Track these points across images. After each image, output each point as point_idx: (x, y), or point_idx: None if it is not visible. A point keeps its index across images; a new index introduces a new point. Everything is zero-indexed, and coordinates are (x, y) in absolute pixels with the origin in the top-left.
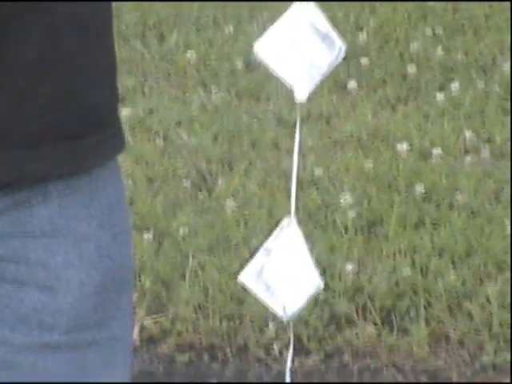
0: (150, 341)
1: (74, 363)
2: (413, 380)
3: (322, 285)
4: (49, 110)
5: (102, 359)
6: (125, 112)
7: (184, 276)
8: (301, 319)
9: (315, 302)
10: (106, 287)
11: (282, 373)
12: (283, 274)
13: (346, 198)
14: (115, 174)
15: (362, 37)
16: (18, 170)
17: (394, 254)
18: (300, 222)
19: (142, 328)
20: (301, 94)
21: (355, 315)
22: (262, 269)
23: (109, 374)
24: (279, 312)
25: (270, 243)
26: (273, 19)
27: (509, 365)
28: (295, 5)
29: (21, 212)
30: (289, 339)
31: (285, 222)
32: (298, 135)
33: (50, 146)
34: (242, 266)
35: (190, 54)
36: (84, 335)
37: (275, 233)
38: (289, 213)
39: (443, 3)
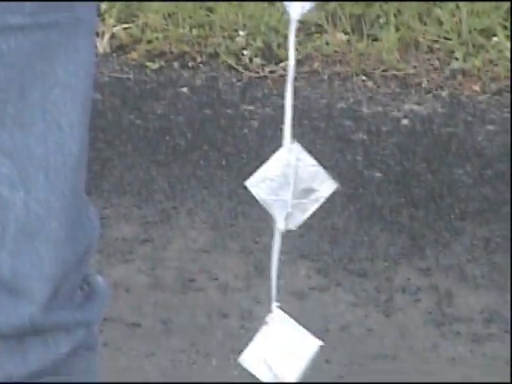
0: (120, 48)
1: (37, 44)
2: (382, 85)
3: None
4: None
5: (65, 39)
6: None
7: None
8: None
9: None
10: None
11: (252, 79)
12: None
13: None
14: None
15: None
16: None
17: None
18: None
19: (112, 36)
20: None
21: (325, 23)
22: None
23: (72, 54)
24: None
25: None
26: None
27: (477, 71)
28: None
29: None
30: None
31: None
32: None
33: None
34: None
35: None
36: (47, 17)
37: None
38: None
39: None
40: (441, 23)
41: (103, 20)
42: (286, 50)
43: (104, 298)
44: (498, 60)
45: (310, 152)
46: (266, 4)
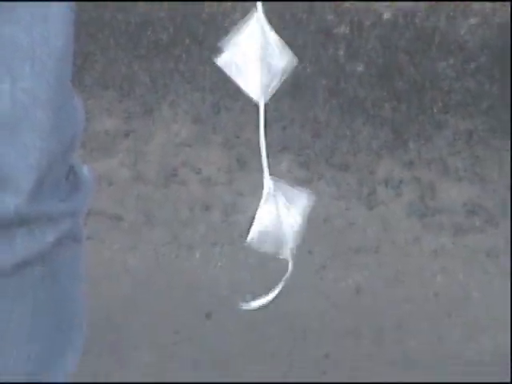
0: None
1: None
2: None
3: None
4: None
5: None
6: None
7: None
8: None
9: None
10: None
11: None
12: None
13: None
14: None
15: None
16: None
17: None
18: None
19: None
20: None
21: None
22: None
23: None
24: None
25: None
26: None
27: None
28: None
29: None
30: None
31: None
32: None
33: None
34: None
35: None
36: None
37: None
38: None
39: None
40: None
41: None
42: None
43: (89, 188)
44: None
45: (291, 46)
46: None
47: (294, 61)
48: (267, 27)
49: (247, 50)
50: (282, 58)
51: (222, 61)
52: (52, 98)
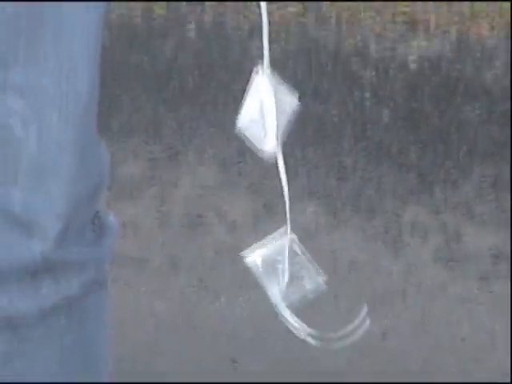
0: None
1: None
2: (390, 24)
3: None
4: None
5: None
6: None
7: None
8: None
9: None
10: None
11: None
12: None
13: None
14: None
15: None
16: None
17: None
18: None
19: None
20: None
21: None
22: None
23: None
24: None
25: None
26: None
27: (485, 12)
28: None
29: None
30: None
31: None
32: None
33: None
34: None
35: None
36: None
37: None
38: None
39: None
40: None
41: None
42: None
43: (114, 235)
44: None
45: (317, 91)
46: None
47: (296, 98)
48: (270, 80)
49: (257, 108)
50: (290, 103)
51: (241, 123)
52: (78, 144)
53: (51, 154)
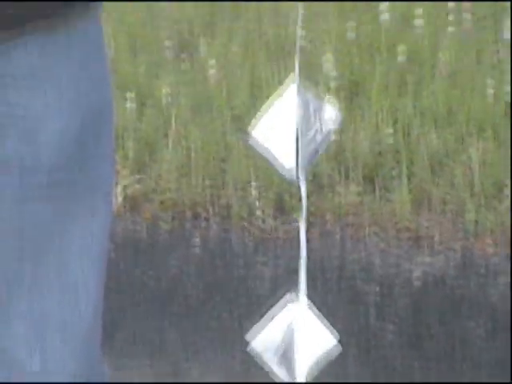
0: (132, 200)
1: (53, 207)
2: (395, 240)
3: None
4: None
5: (82, 201)
6: None
7: (167, 136)
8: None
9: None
10: (85, 131)
11: (264, 238)
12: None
13: (327, 60)
14: (95, 27)
15: None
16: None
17: (377, 115)
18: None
19: (125, 188)
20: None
21: (337, 174)
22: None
23: (90, 217)
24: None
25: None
26: None
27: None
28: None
29: (0, 59)
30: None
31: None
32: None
33: None
34: (223, 127)
35: None
36: (65, 176)
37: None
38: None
39: None
40: (453, 176)
41: (117, 172)
42: (298, 200)
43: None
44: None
45: (321, 306)
46: None
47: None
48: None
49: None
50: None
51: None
52: (80, 366)
53: (54, 377)
